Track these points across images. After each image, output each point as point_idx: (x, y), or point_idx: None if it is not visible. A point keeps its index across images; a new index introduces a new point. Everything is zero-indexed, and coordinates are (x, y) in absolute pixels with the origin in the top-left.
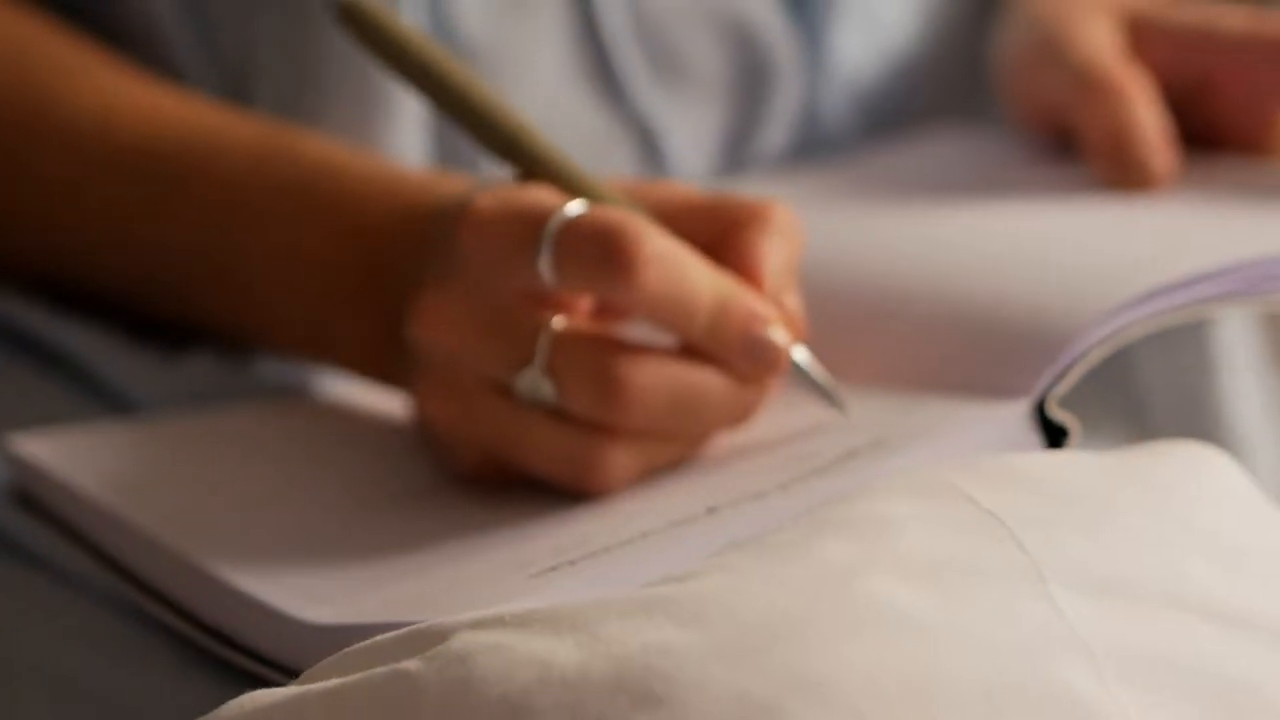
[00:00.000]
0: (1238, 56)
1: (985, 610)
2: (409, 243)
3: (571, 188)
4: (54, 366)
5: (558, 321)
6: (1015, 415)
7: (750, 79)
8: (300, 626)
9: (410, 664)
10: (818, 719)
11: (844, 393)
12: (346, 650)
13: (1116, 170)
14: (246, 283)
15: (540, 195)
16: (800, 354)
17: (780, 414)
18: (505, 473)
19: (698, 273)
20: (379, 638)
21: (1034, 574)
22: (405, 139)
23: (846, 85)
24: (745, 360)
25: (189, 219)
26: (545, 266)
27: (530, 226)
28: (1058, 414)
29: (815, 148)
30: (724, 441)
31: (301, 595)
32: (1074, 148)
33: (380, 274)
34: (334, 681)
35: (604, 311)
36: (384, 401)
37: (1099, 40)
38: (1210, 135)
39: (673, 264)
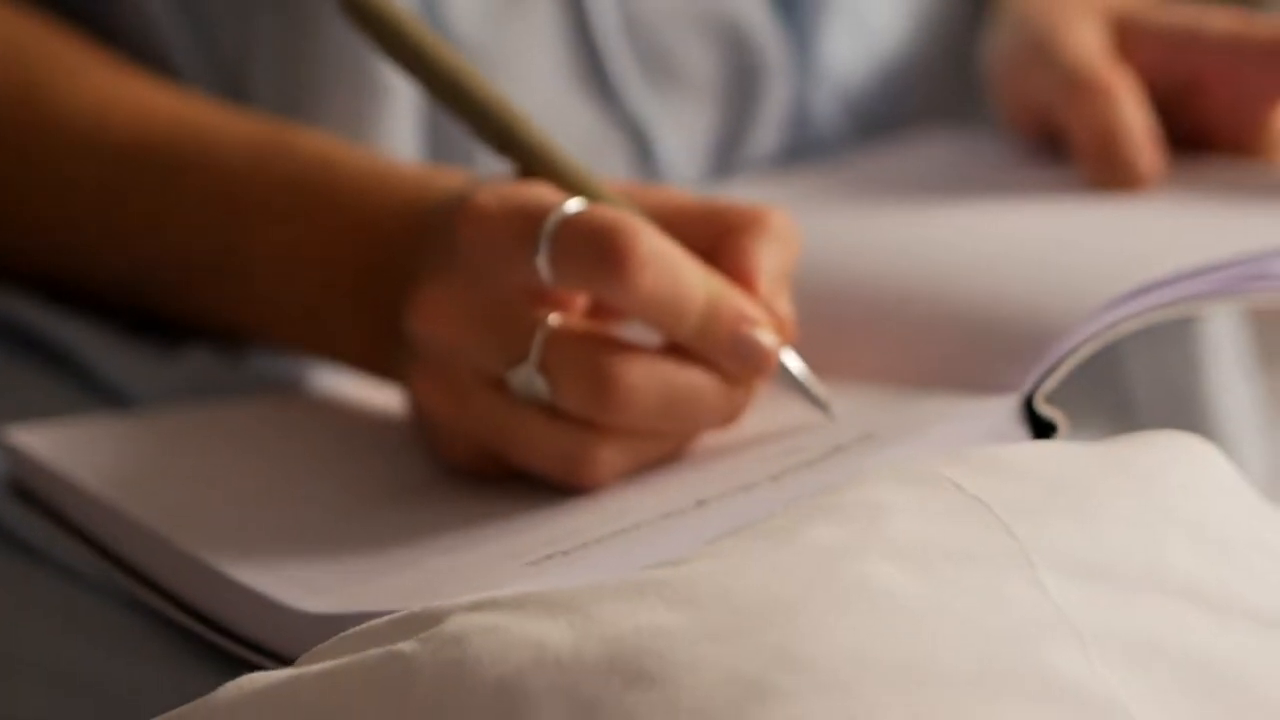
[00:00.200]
0: (1225, 58)
1: (974, 594)
2: (406, 238)
3: (568, 184)
4: (52, 362)
5: (553, 319)
6: (1004, 410)
7: (741, 81)
8: (296, 616)
9: (405, 646)
10: (808, 698)
11: (832, 392)
12: (342, 635)
13: (1104, 170)
14: (244, 278)
15: (539, 192)
16: (789, 357)
17: (769, 412)
18: (498, 466)
19: (691, 274)
20: (374, 622)
21: (1022, 559)
22: (401, 135)
23: (836, 88)
24: (733, 361)
25: (186, 215)
26: (542, 263)
27: (529, 223)
28: (1046, 409)
29: (806, 151)
30: (712, 440)
31: (297, 586)
32: (1063, 149)
33: (377, 269)
34: (329, 663)
35: (600, 310)
36: (380, 396)
37: (1087, 41)
38: (1198, 137)
39: (667, 264)
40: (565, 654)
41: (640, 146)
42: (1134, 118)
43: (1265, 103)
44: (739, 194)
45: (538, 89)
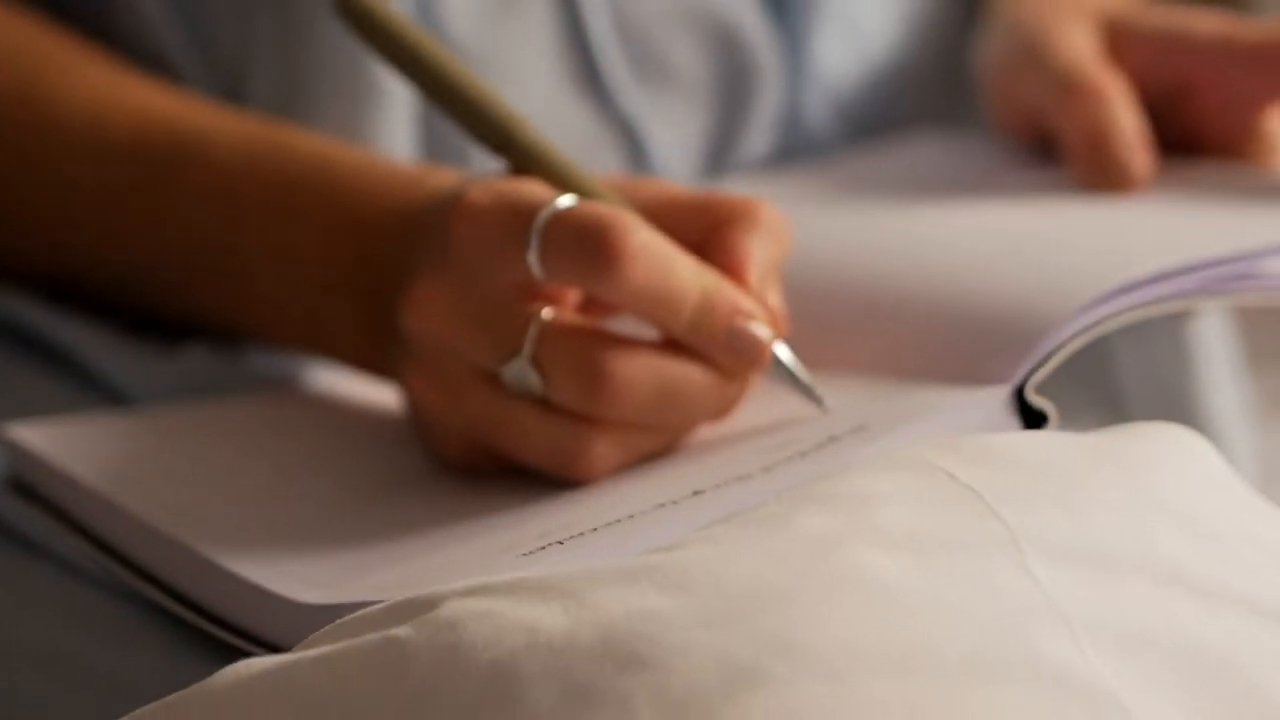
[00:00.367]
0: (1213, 61)
1: (964, 580)
2: (401, 235)
3: (562, 182)
4: (51, 361)
5: (546, 313)
6: (995, 401)
7: (733, 82)
8: (292, 607)
9: (400, 630)
10: (800, 684)
11: (825, 385)
12: (338, 621)
13: (1096, 171)
14: (241, 276)
15: (531, 189)
16: (781, 350)
17: (763, 405)
18: (493, 461)
19: (682, 267)
20: (370, 609)
21: (1012, 546)
22: (396, 137)
23: (828, 90)
24: (727, 354)
25: (184, 213)
26: (533, 259)
27: (520, 219)
28: (1036, 400)
29: (797, 153)
30: (706, 433)
31: (293, 578)
32: (1055, 152)
33: (372, 266)
34: (325, 648)
35: (594, 306)
36: (376, 393)
37: (1078, 45)
38: (1187, 140)
39: (657, 259)
40: (558, 638)
41: (633, 147)
42: (1125, 120)
43: (1254, 105)
44: (735, 191)
45: (532, 90)
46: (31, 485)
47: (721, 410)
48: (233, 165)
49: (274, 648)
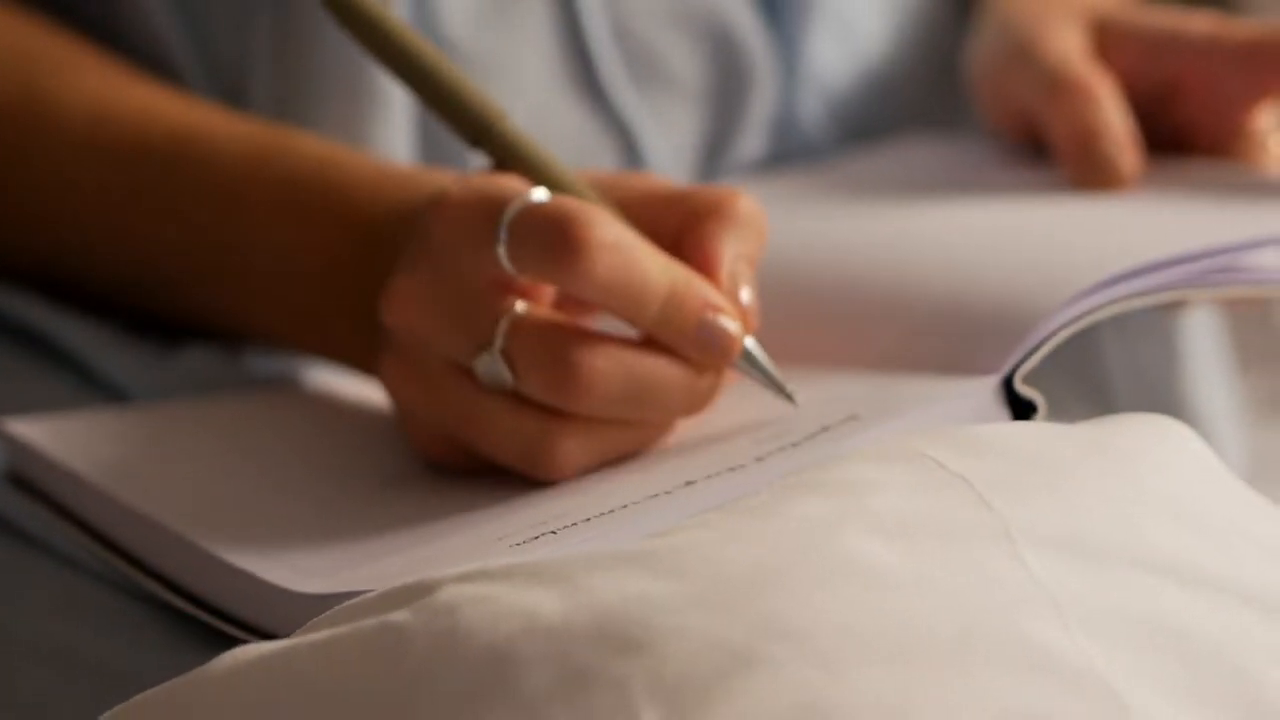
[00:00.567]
0: (1202, 60)
1: (954, 565)
2: (395, 235)
3: (538, 176)
4: (51, 359)
5: (519, 307)
6: (985, 391)
7: (727, 84)
8: (290, 597)
9: (398, 615)
10: (793, 666)
11: (817, 377)
12: (336, 608)
13: (1085, 169)
14: (239, 275)
15: (504, 183)
16: (751, 345)
17: (752, 400)
18: (468, 458)
19: (650, 261)
20: (367, 595)
21: (1001, 532)
22: (395, 138)
23: (822, 92)
24: (696, 349)
25: (183, 213)
26: (502, 252)
27: (491, 213)
28: (1025, 391)
29: (791, 155)
30: (696, 427)
31: (289, 569)
32: (1046, 152)
33: (369, 267)
34: (324, 633)
35: (570, 303)
36: (371, 392)
37: (1068, 44)
38: (1175, 139)
39: (623, 252)
40: (554, 622)
41: (629, 148)
42: (1114, 118)
43: (1241, 104)
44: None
45: (528, 91)
46: (30, 480)
47: (694, 406)
48: (233, 166)
49: (272, 638)
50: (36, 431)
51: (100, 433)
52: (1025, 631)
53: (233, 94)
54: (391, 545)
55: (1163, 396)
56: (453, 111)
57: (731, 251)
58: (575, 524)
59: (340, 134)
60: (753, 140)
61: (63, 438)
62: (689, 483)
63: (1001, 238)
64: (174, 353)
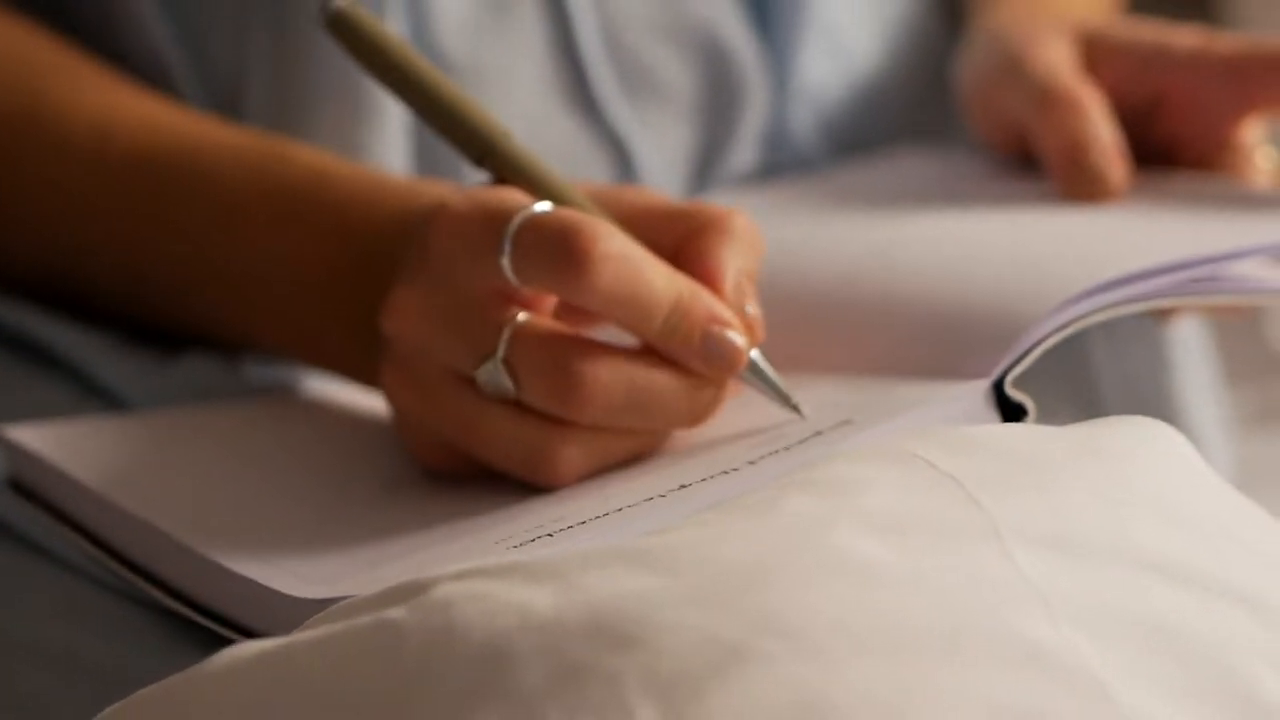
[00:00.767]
0: (1190, 74)
1: (945, 561)
2: (392, 246)
3: (541, 190)
4: (52, 367)
5: (521, 317)
6: (975, 395)
7: (719, 97)
8: (289, 602)
9: (394, 613)
10: (785, 661)
11: (811, 383)
12: (333, 606)
13: (1073, 181)
14: (238, 285)
15: (508, 195)
16: (757, 357)
17: (747, 409)
18: (468, 465)
19: (655, 273)
20: (365, 595)
21: (992, 531)
22: (390, 150)
23: (812, 105)
24: (702, 360)
25: (180, 224)
26: (506, 264)
27: (495, 224)
28: (1015, 394)
29: (782, 169)
30: (688, 436)
31: (289, 574)
32: (1036, 165)
33: (366, 278)
34: (320, 630)
35: (569, 313)
36: (369, 400)
37: (1056, 58)
38: (1162, 153)
39: (628, 264)
40: (549, 618)
41: (621, 160)
42: (1102, 130)
43: (1228, 118)
44: (718, 202)
45: (522, 103)
46: (31, 486)
47: (695, 417)
48: (232, 177)
49: None
50: (37, 438)
51: (100, 439)
52: (1015, 627)
53: (229, 106)
54: (390, 550)
55: (1152, 404)
56: (456, 130)
57: (734, 265)
58: (571, 527)
59: (336, 146)
60: (744, 153)
61: (63, 444)
62: (683, 486)
63: (991, 246)
64: (173, 361)
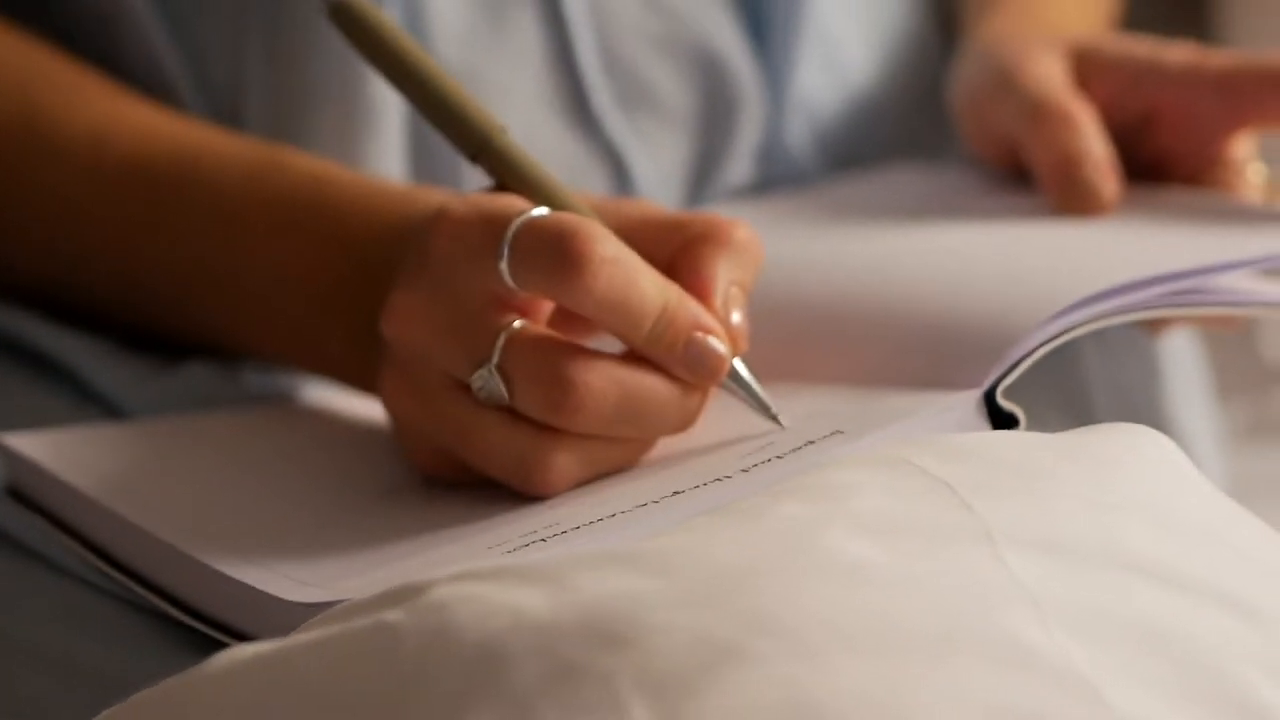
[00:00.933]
0: (1181, 89)
1: (936, 564)
2: (390, 253)
3: (536, 191)
4: (50, 375)
5: (516, 324)
6: (967, 404)
7: (716, 110)
8: (286, 607)
9: (390, 615)
10: (777, 660)
11: (802, 394)
12: (330, 610)
13: (1065, 195)
14: (235, 293)
15: (507, 201)
16: (740, 366)
17: (739, 418)
18: (463, 472)
19: (647, 280)
20: (361, 598)
21: (983, 535)
22: (388, 158)
23: (808, 119)
24: (685, 368)
25: (180, 231)
26: (504, 268)
27: (494, 229)
28: (1006, 404)
29: (778, 182)
30: (683, 443)
31: (286, 579)
32: (1028, 179)
33: (363, 283)
34: (317, 632)
35: (567, 321)
36: (366, 407)
37: (1049, 72)
38: (1155, 168)
39: (623, 269)
40: (543, 618)
41: (619, 173)
42: (1094, 144)
43: (1219, 133)
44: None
45: (519, 115)
46: (29, 493)
47: (682, 423)
48: (230, 184)
49: None
50: (35, 445)
51: (98, 447)
52: (1006, 629)
53: (228, 115)
54: (387, 555)
55: (1144, 416)
56: (452, 123)
57: (726, 275)
58: (565, 532)
59: (334, 154)
60: (740, 166)
61: (61, 452)
62: (676, 492)
63: (983, 259)
64: (172, 369)
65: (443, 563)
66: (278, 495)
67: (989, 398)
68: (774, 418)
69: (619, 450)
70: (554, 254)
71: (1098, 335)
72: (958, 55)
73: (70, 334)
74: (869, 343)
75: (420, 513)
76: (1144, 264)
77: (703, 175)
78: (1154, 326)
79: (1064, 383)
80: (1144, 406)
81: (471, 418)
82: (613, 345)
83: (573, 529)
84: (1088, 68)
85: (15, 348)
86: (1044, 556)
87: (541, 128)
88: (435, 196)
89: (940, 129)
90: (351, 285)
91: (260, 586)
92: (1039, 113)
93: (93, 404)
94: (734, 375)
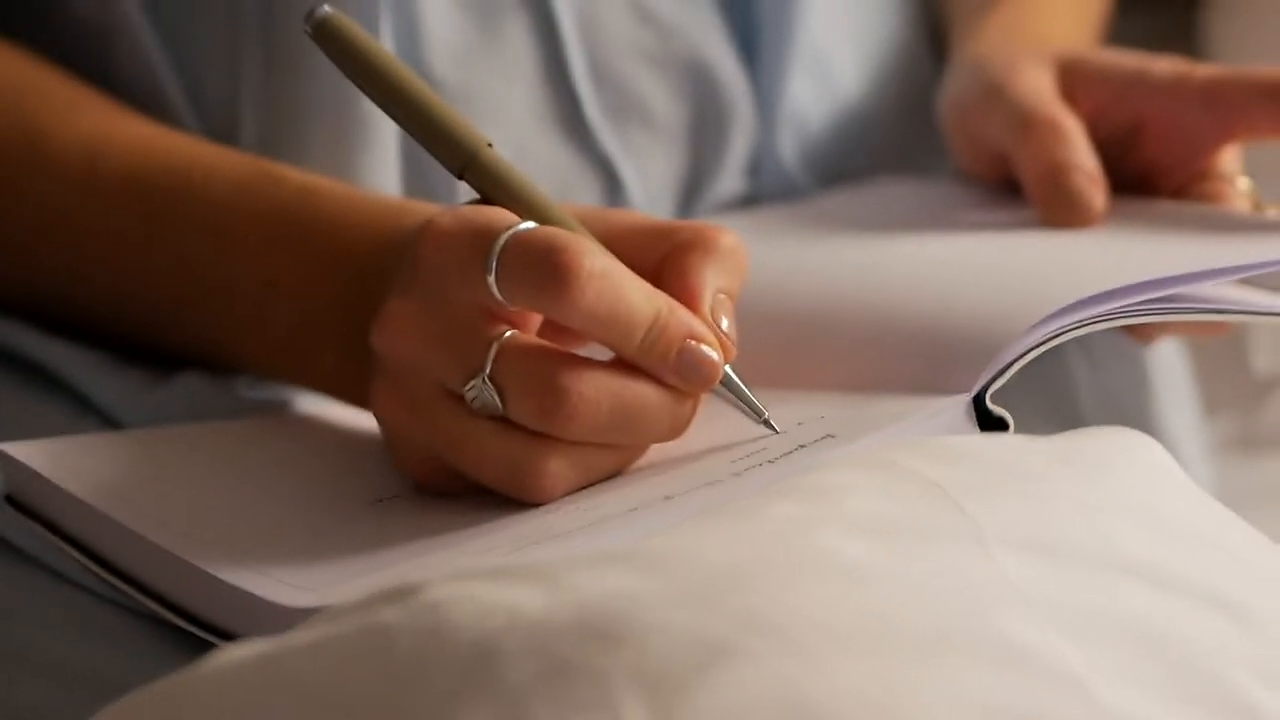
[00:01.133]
0: (1169, 101)
1: (928, 563)
2: (382, 266)
3: (523, 205)
4: (48, 386)
5: (508, 334)
6: (956, 408)
7: (707, 124)
8: (281, 611)
9: (385, 615)
10: (770, 658)
11: (793, 399)
12: (325, 611)
13: (1053, 205)
14: (227, 306)
15: (494, 213)
16: (730, 373)
17: (732, 424)
18: (457, 482)
19: (635, 291)
20: (356, 598)
21: (975, 534)
22: (382, 175)
23: (799, 133)
24: (678, 376)
25: (173, 244)
26: (492, 281)
27: (481, 242)
28: (995, 408)
29: (769, 196)
30: (663, 451)
31: (283, 585)
32: (1017, 194)
33: (356, 298)
34: (312, 632)
35: (558, 330)
36: (360, 417)
37: (1037, 84)
38: (1142, 181)
39: (611, 282)
40: (537, 617)
41: (610, 187)
42: (1082, 155)
43: (1206, 145)
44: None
45: (512, 129)
46: (28, 501)
47: (674, 430)
48: (222, 197)
49: None
50: (34, 454)
51: (96, 455)
52: (1000, 629)
53: (223, 130)
54: (381, 561)
55: (1133, 425)
56: (437, 139)
57: (713, 282)
58: (558, 537)
59: (329, 168)
60: (730, 180)
61: (59, 460)
62: (668, 497)
63: (971, 266)
64: (167, 381)
65: (437, 567)
66: (273, 502)
67: (978, 402)
68: (766, 422)
69: (611, 457)
70: (541, 270)
71: (1086, 346)
72: (947, 70)
73: (67, 346)
74: (859, 348)
75: (413, 519)
76: (1130, 270)
77: (694, 188)
78: (1141, 334)
79: (1054, 394)
80: (1133, 417)
81: (465, 427)
82: (604, 351)
83: (565, 534)
84: (1075, 80)
85: (14, 359)
86: (1036, 558)
87: (534, 141)
88: (427, 210)
89: (930, 143)
90: (344, 298)
91: (256, 591)
92: (1027, 123)
93: (90, 415)
94: (725, 381)
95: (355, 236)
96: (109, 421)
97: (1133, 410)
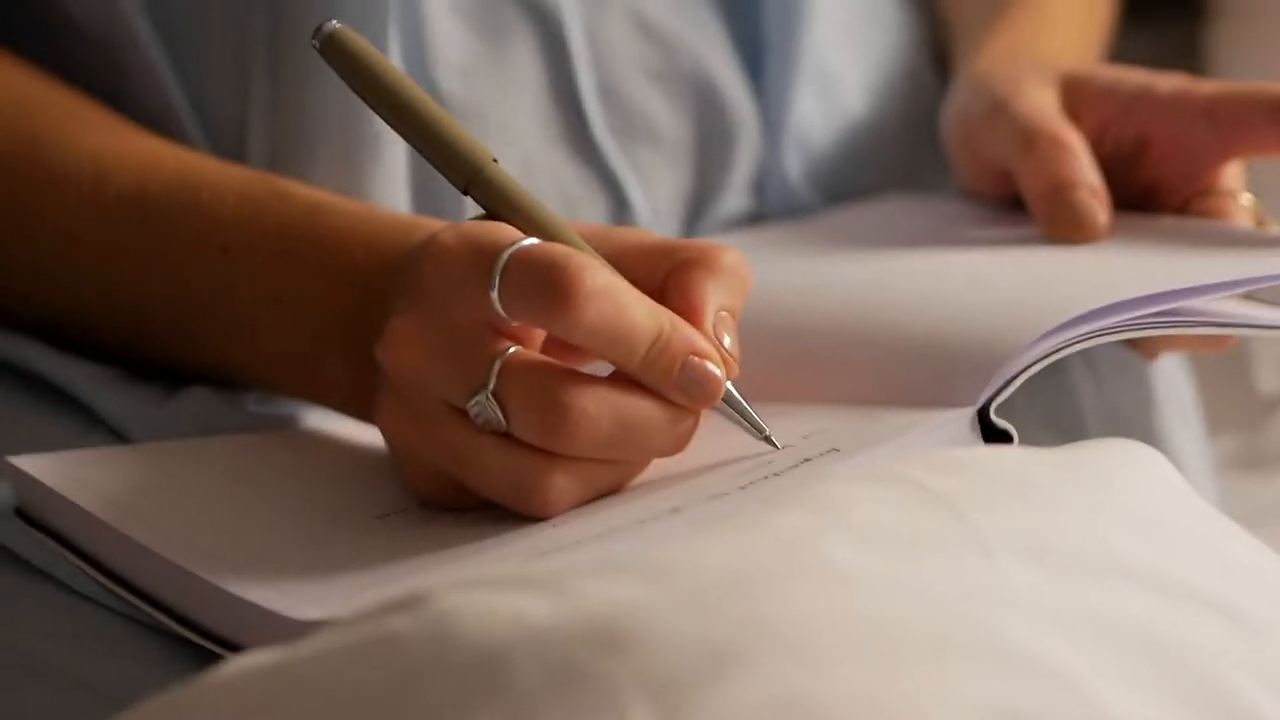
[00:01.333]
0: (1172, 117)
1: (932, 571)
2: (389, 282)
3: (525, 220)
4: (56, 401)
5: (511, 350)
6: (961, 421)
7: (712, 142)
8: (289, 623)
9: (393, 622)
10: (775, 663)
11: (798, 413)
12: (334, 620)
13: (1057, 219)
14: (234, 322)
15: (497, 230)
16: (731, 389)
17: (735, 438)
18: (462, 496)
19: (638, 307)
20: (365, 608)
21: (977, 542)
22: (390, 192)
23: (804, 151)
24: (679, 391)
25: (179, 260)
26: (495, 297)
27: (484, 258)
28: (999, 421)
29: (774, 213)
30: (669, 465)
31: (291, 597)
32: (1021, 211)
33: (362, 314)
34: (322, 641)
35: (561, 346)
36: (367, 433)
37: (1040, 101)
38: (1145, 198)
39: (613, 298)
40: (545, 624)
41: (617, 204)
42: (1085, 171)
43: (1210, 162)
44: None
45: (519, 146)
46: (37, 514)
47: (676, 445)
48: (229, 214)
49: None
50: (43, 467)
51: (104, 469)
52: (1002, 634)
53: (231, 147)
54: (389, 574)
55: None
56: (442, 155)
57: (715, 300)
58: (565, 548)
59: (337, 185)
60: (736, 198)
61: (68, 473)
62: (675, 510)
63: (975, 280)
64: (175, 396)
65: (443, 579)
66: (280, 516)
67: (983, 415)
68: (767, 439)
69: (614, 472)
70: (543, 286)
71: (1091, 360)
72: (951, 87)
73: (76, 362)
74: (864, 363)
75: (420, 533)
76: (1133, 284)
77: (699, 206)
78: (1145, 348)
79: (1058, 408)
80: (1137, 431)
81: (469, 442)
82: (607, 367)
83: (573, 545)
84: (1079, 97)
85: (23, 374)
86: (1039, 565)
87: (541, 158)
88: (435, 226)
89: (935, 160)
90: (350, 314)
91: (264, 604)
92: (1030, 140)
93: (99, 430)
94: (727, 398)
95: (363, 253)
96: (118, 436)
97: (1137, 424)
